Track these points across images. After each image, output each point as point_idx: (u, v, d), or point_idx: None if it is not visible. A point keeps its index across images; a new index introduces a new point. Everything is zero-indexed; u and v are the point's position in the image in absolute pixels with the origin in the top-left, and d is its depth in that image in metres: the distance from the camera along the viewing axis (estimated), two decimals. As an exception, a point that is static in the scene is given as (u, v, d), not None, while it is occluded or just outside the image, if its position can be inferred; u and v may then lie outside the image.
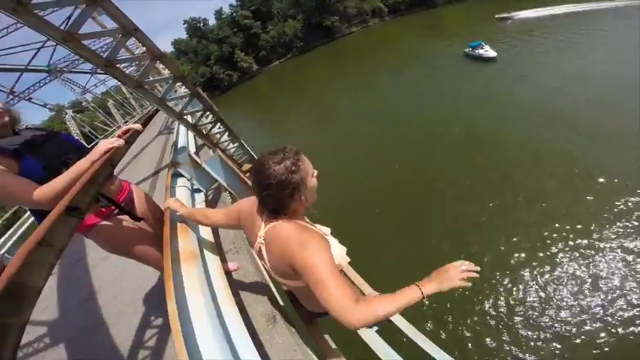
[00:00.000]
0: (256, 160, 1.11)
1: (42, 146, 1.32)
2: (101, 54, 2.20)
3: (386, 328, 1.98)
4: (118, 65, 2.32)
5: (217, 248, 1.77)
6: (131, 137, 1.72)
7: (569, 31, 23.49)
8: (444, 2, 54.62)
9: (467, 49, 27.17)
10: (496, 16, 34.90)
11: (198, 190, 2.37)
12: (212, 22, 57.46)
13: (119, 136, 1.57)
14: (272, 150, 1.10)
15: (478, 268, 1.00)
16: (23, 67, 15.63)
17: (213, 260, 1.64)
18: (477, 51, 25.91)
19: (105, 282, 2.67)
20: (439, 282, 0.97)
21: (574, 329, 6.12)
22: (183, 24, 56.00)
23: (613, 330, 5.96)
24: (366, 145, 16.07)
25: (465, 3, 52.58)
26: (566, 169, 9.82)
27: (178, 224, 1.69)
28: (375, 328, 2.08)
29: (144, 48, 2.55)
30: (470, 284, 0.97)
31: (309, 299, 1.38)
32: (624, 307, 6.24)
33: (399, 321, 2.06)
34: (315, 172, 1.13)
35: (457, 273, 0.97)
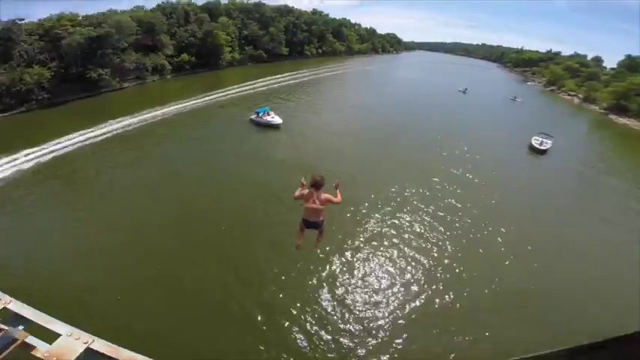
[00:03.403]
0: (316, 174, 4.98)
1: None
2: None
3: None
4: None
5: None
6: None
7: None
8: (226, 65, 62.16)
9: (253, 116, 29.26)
10: None
11: None
12: None
13: None
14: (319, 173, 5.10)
15: None
16: None
17: None
18: (264, 118, 28.31)
19: None
20: None
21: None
22: None
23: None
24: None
25: (245, 66, 61.49)
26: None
27: None
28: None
29: None
30: None
31: (320, 213, 5.15)
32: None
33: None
34: None
35: None
